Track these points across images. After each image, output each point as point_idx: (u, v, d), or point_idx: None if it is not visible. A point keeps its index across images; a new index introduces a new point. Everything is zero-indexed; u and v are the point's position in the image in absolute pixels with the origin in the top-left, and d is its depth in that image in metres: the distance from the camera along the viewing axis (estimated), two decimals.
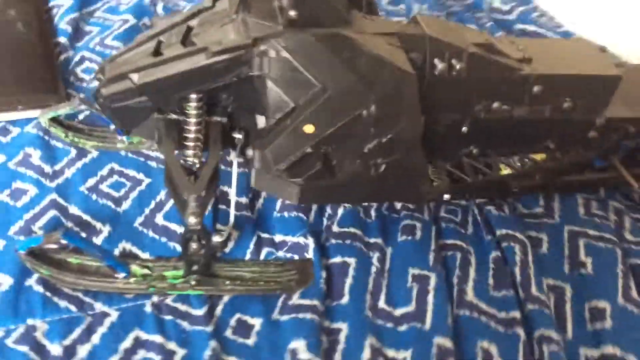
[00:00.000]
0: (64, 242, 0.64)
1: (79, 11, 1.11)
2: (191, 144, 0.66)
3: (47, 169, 0.78)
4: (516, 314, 0.69)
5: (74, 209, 0.74)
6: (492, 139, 0.76)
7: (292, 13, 0.59)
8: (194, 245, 0.65)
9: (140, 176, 0.81)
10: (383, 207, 0.82)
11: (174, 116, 0.66)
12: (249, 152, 0.66)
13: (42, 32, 1.02)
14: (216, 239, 0.67)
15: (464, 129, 0.72)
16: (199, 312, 0.65)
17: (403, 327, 0.66)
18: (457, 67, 0.67)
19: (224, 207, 0.76)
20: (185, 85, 0.62)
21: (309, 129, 0.62)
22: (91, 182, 0.78)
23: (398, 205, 0.82)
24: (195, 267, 0.67)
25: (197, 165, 0.67)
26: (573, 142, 0.79)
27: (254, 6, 0.64)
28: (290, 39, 0.59)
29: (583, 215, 0.85)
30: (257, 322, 0.65)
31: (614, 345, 0.66)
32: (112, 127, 0.84)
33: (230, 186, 0.73)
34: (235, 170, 0.68)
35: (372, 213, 0.81)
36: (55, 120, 0.83)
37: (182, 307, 0.66)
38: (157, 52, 0.65)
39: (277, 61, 0.59)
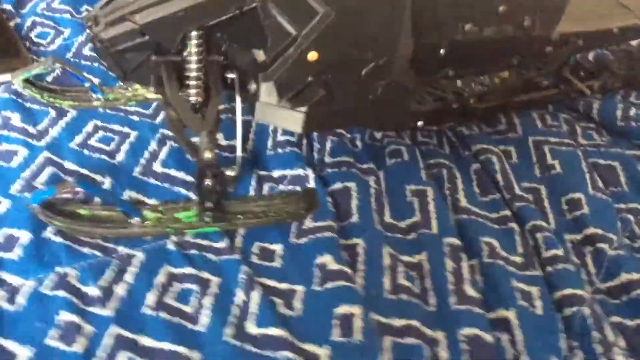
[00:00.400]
0: (77, 189, 0.64)
1: None
2: (194, 82, 0.67)
3: (31, 129, 0.77)
4: (507, 212, 0.76)
5: (69, 165, 0.73)
6: (466, 60, 0.82)
7: None
8: (207, 181, 0.66)
9: (126, 129, 0.81)
10: (366, 136, 0.86)
11: (174, 57, 0.66)
12: (252, 86, 0.68)
13: None
14: (229, 172, 0.68)
15: (442, 51, 0.77)
16: (221, 244, 0.67)
17: (413, 235, 0.71)
18: None
19: None
20: (190, 22, 0.63)
21: (312, 56, 0.64)
22: (79, 139, 0.77)
23: (378, 134, 0.87)
24: (208, 204, 0.68)
25: (200, 104, 0.68)
26: (533, 57, 0.87)
27: None
28: None
29: (541, 127, 0.93)
30: (277, 247, 0.68)
31: (594, 227, 0.74)
32: (87, 84, 0.83)
33: None
34: (238, 107, 0.70)
35: (358, 143, 0.85)
36: (28, 81, 0.80)
37: (204, 242, 0.67)
38: None
39: None
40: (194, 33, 0.64)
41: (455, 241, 0.69)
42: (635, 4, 0.96)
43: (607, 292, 0.68)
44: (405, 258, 0.69)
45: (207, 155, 0.63)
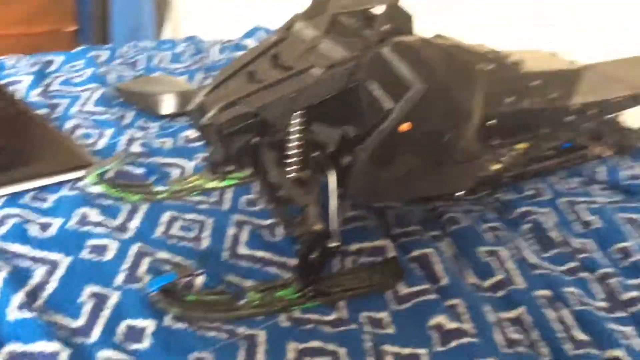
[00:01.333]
0: (198, 272, 0.64)
1: (40, 86, 1.08)
2: (295, 160, 0.70)
3: (113, 223, 0.76)
4: (573, 264, 0.81)
5: (162, 254, 0.73)
6: (508, 130, 0.90)
7: (386, 26, 0.68)
8: (314, 254, 0.68)
9: (201, 218, 0.81)
10: (420, 207, 0.91)
11: (277, 138, 0.69)
12: (347, 160, 0.71)
13: (15, 104, 0.98)
14: (332, 243, 0.70)
15: (492, 122, 0.85)
16: (330, 317, 0.68)
17: (502, 292, 0.75)
18: (488, 67, 0.80)
19: None
20: (301, 102, 0.67)
21: (405, 127, 0.69)
22: (160, 230, 0.77)
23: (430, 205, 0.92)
24: (310, 278, 0.70)
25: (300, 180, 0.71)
26: (557, 126, 0.96)
27: (336, 30, 0.71)
28: (394, 45, 0.67)
29: (566, 189, 1.01)
30: (384, 315, 0.69)
31: None
32: (152, 178, 0.84)
33: None
34: (332, 181, 0.72)
35: (415, 213, 0.89)
36: (100, 177, 0.80)
37: (314, 316, 0.68)
38: (253, 79, 0.69)
39: (383, 67, 0.67)
40: (297, 113, 0.68)
41: (547, 292, 0.73)
42: (621, 76, 1.10)
43: None
44: (504, 314, 0.72)
45: (318, 227, 0.66)
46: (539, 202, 0.97)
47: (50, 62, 1.23)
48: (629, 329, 0.70)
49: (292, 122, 0.69)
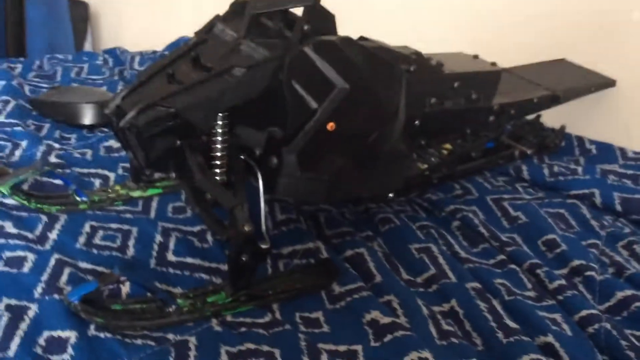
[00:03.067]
0: (122, 279, 0.61)
1: None
2: (220, 162, 0.69)
3: (30, 235, 0.72)
4: (502, 257, 0.83)
5: (84, 264, 0.69)
6: (433, 130, 0.91)
7: (307, 26, 0.68)
8: (244, 257, 0.66)
9: (125, 227, 0.78)
10: (350, 208, 0.91)
11: (201, 140, 0.67)
12: (273, 161, 0.70)
13: None
14: (263, 245, 0.68)
15: (417, 122, 0.86)
16: (264, 319, 0.66)
17: (435, 287, 0.75)
18: (411, 68, 0.81)
19: None
20: (225, 102, 0.65)
21: (330, 127, 0.69)
22: (82, 240, 0.74)
23: (361, 208, 0.92)
24: (241, 283, 0.68)
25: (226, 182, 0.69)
26: (480, 126, 0.99)
27: (255, 31, 0.71)
28: (316, 44, 0.66)
29: (491, 188, 1.04)
30: (319, 314, 0.68)
31: (577, 260, 0.83)
32: (72, 188, 0.81)
33: None
34: (260, 183, 0.71)
35: (348, 215, 0.89)
36: (14, 188, 0.76)
37: (247, 319, 0.66)
38: (173, 81, 0.67)
39: (305, 66, 0.66)
40: (221, 115, 0.66)
41: (477, 285, 0.74)
42: (538, 78, 1.15)
43: (608, 312, 0.75)
44: (437, 308, 0.72)
45: (247, 228, 0.64)
46: (466, 201, 0.99)
47: None
48: (557, 316, 0.72)
49: (217, 123, 0.67)
